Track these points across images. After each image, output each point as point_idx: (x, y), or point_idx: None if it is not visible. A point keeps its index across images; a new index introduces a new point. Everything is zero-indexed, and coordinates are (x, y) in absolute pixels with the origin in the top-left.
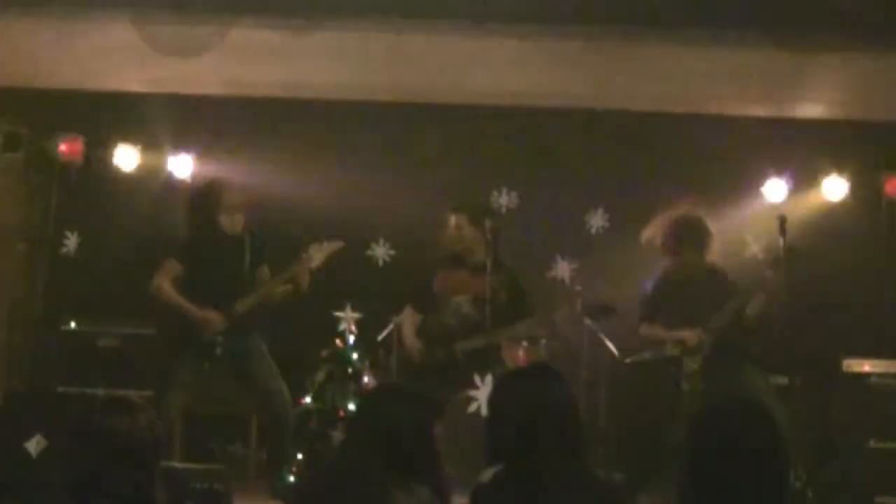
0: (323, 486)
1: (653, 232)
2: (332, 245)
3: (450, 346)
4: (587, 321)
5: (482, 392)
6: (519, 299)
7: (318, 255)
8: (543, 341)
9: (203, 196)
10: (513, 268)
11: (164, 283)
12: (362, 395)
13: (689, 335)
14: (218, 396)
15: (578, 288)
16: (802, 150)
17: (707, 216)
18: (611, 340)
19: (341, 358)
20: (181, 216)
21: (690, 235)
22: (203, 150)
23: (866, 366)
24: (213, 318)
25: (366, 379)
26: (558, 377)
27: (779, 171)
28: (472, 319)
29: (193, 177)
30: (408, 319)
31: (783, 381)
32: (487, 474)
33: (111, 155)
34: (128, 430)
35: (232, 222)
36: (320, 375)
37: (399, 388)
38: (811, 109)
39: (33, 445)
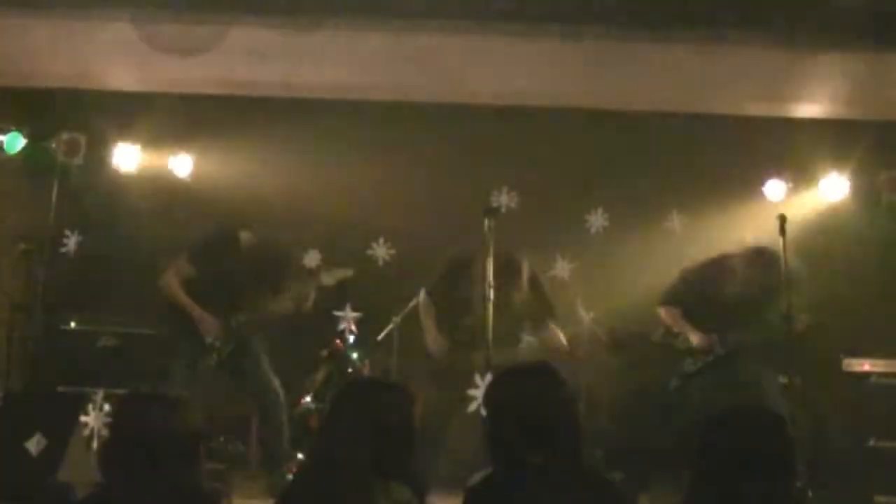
0: (307, 482)
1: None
2: (342, 272)
3: (476, 354)
4: (584, 313)
5: (482, 391)
6: (541, 300)
7: (327, 279)
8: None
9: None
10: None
11: (174, 281)
12: (343, 386)
13: (698, 339)
14: (217, 395)
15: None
16: (802, 150)
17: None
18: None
19: (341, 358)
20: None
21: (763, 267)
22: (203, 149)
23: (866, 365)
24: (211, 323)
25: None
26: (557, 375)
27: (779, 171)
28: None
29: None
30: (428, 311)
31: (783, 380)
32: (478, 476)
33: (111, 155)
34: (179, 423)
35: (250, 237)
36: (320, 375)
37: (379, 379)
38: (811, 109)
39: (33, 445)
